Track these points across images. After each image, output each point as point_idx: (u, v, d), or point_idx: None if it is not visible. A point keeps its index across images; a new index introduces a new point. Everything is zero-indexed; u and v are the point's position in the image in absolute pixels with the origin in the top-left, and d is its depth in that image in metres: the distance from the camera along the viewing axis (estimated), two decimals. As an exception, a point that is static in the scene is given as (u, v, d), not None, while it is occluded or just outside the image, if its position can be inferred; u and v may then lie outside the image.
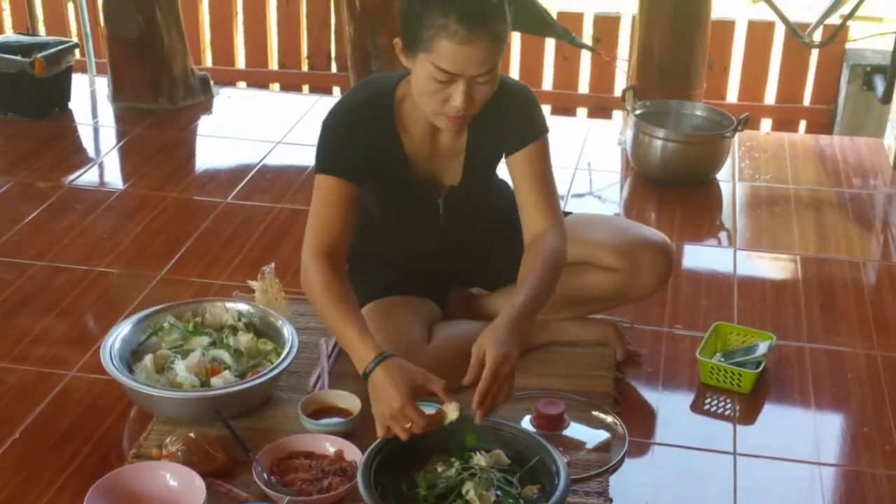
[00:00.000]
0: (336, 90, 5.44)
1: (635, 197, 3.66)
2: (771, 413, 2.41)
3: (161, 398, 2.21)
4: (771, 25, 5.01)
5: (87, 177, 3.65)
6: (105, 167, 3.81)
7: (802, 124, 5.16)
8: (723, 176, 3.69)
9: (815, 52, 4.97)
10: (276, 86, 5.57)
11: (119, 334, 2.36)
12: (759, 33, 5.08)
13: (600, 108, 5.18)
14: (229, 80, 5.33)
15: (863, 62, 4.87)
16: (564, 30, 4.07)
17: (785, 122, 5.13)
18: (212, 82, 4.46)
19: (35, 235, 3.17)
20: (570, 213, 2.55)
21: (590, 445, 2.23)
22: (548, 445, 1.99)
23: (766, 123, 5.16)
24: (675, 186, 3.59)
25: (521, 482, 1.95)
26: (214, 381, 2.26)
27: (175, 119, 4.20)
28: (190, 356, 2.32)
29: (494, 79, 2.05)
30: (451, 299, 2.55)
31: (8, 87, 4.06)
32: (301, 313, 2.62)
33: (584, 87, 5.28)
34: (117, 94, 4.31)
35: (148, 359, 2.31)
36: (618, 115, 5.02)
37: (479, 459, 1.96)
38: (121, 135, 4.06)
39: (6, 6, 5.85)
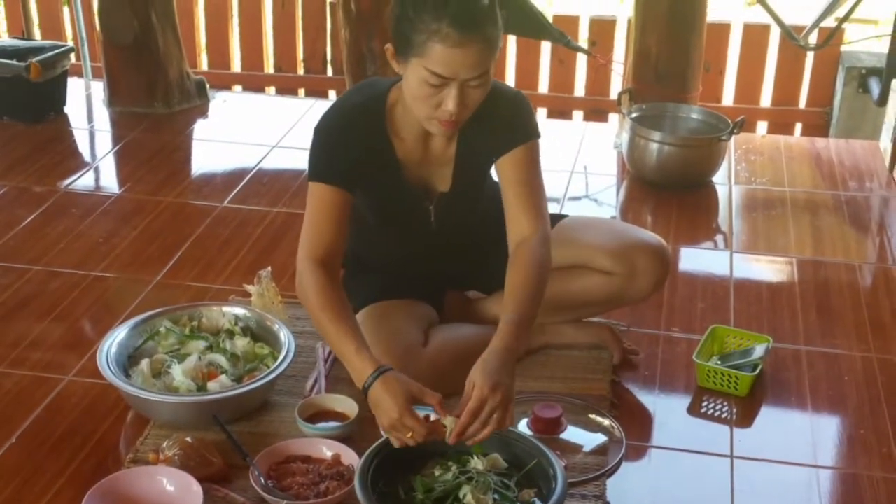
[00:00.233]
0: (332, 94, 5.43)
1: (631, 200, 3.66)
2: (768, 416, 2.41)
3: (158, 402, 2.21)
4: (766, 28, 5.01)
5: (82, 181, 3.65)
6: (101, 171, 3.81)
7: (798, 127, 5.16)
8: (719, 179, 3.69)
9: (810, 55, 4.97)
10: (271, 89, 5.57)
11: (115, 339, 2.36)
12: (755, 36, 5.08)
13: (596, 111, 5.18)
14: (225, 83, 5.33)
15: (858, 65, 4.88)
16: (560, 33, 4.07)
17: (781, 125, 5.13)
18: (207, 86, 4.46)
19: (31, 240, 3.17)
20: (566, 216, 2.56)
21: (587, 449, 2.23)
22: (545, 449, 1.99)
23: (761, 126, 5.17)
24: (671, 189, 3.59)
25: (519, 486, 1.95)
26: (211, 385, 2.26)
27: (171, 123, 4.20)
28: (186, 360, 2.32)
29: (487, 82, 2.05)
30: (447, 303, 2.55)
31: (3, 91, 4.05)
32: (298, 317, 2.62)
33: (579, 90, 5.28)
34: (113, 99, 4.31)
35: (144, 363, 2.31)
36: (614, 118, 5.02)
37: (477, 463, 1.96)
38: (116, 139, 4.06)
39: (1, 10, 5.84)
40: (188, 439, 2.11)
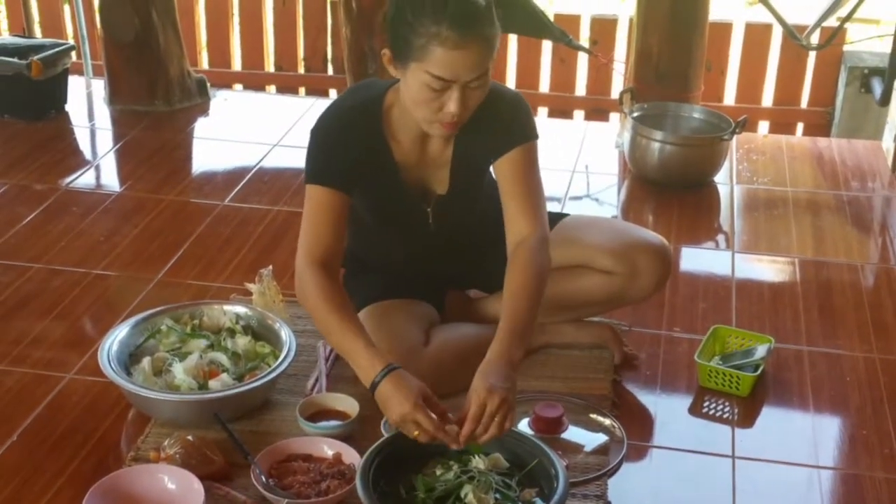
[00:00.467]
0: (332, 92, 5.43)
1: (633, 200, 3.66)
2: (769, 416, 2.41)
3: (159, 401, 2.21)
4: (768, 27, 5.01)
5: (83, 179, 3.65)
6: (102, 170, 3.80)
7: (800, 127, 5.16)
8: (721, 178, 3.69)
9: (812, 55, 4.97)
10: (272, 88, 5.57)
11: (117, 337, 2.36)
12: (757, 35, 5.08)
13: (597, 110, 5.18)
14: (226, 82, 5.33)
15: (860, 64, 4.88)
16: (561, 32, 4.07)
17: (782, 125, 5.13)
18: (208, 84, 4.46)
19: (32, 238, 3.17)
20: (567, 216, 2.55)
21: (588, 448, 2.23)
22: (546, 448, 1.99)
23: (763, 126, 5.16)
24: (672, 189, 3.59)
25: (520, 485, 1.95)
26: (212, 383, 2.26)
27: (172, 121, 4.19)
28: (188, 359, 2.32)
29: (487, 83, 2.05)
30: (448, 302, 2.55)
31: (4, 89, 4.05)
32: (299, 316, 2.61)
33: (581, 89, 5.28)
34: (114, 97, 4.31)
35: (146, 361, 2.30)
36: (615, 117, 5.02)
37: (478, 462, 1.96)
38: (117, 137, 4.06)
39: (2, 8, 5.84)
40: (189, 438, 2.10)
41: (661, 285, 2.47)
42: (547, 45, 5.18)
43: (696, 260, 3.19)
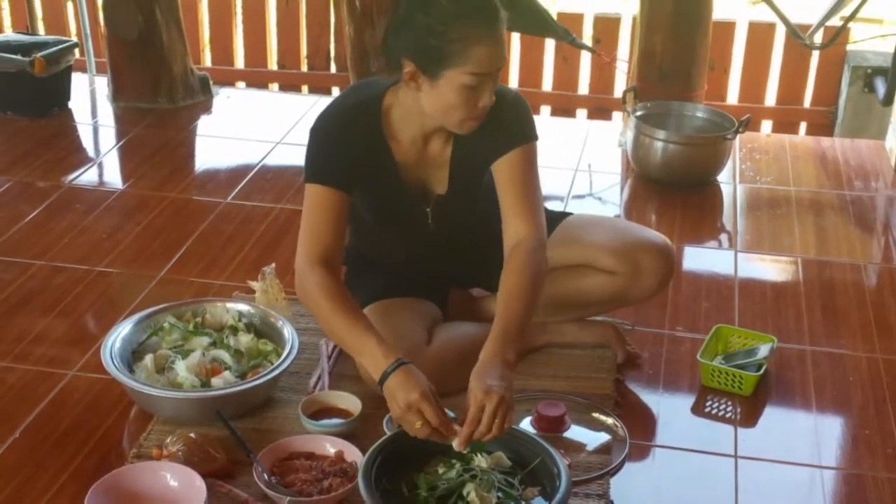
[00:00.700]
0: (335, 90, 5.43)
1: (636, 199, 3.65)
2: (772, 416, 2.41)
3: (161, 398, 2.21)
4: (772, 27, 5.01)
5: (86, 176, 3.65)
6: (105, 167, 3.80)
7: (803, 126, 5.15)
8: (724, 178, 3.69)
9: (815, 54, 4.97)
10: (275, 86, 5.57)
11: (119, 334, 2.36)
12: (760, 35, 5.07)
13: (600, 109, 5.18)
14: (228, 80, 5.32)
15: (864, 64, 4.87)
16: (564, 30, 4.07)
17: (785, 124, 5.12)
18: (211, 82, 4.46)
19: (35, 235, 3.17)
20: (570, 215, 2.55)
21: (590, 447, 2.23)
22: (549, 447, 1.99)
23: (766, 125, 5.16)
24: (675, 188, 3.59)
25: (522, 484, 1.95)
26: (215, 381, 2.26)
27: (175, 119, 4.20)
28: (190, 356, 2.32)
29: None
30: (450, 301, 2.55)
31: (7, 86, 4.05)
32: (301, 314, 2.61)
33: (584, 88, 5.27)
34: (117, 94, 4.31)
35: (148, 358, 2.30)
36: (618, 116, 5.02)
37: (481, 461, 1.96)
38: (120, 134, 4.06)
39: (6, 5, 5.84)
40: (192, 435, 2.10)
41: (664, 285, 2.47)
42: (550, 44, 5.18)
43: (699, 259, 3.18)
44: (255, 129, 4.11)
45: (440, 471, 1.95)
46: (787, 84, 5.11)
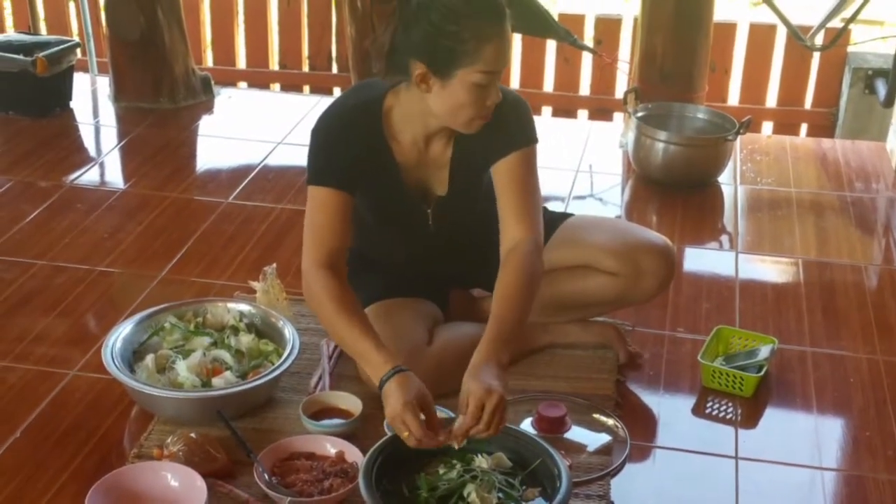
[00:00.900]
0: (336, 90, 5.43)
1: (636, 200, 3.66)
2: (773, 417, 2.41)
3: (162, 398, 2.21)
4: (773, 28, 5.01)
5: (88, 176, 3.65)
6: (106, 167, 3.81)
7: (804, 127, 5.15)
8: (724, 179, 3.69)
9: (816, 56, 4.97)
10: (276, 86, 5.57)
11: (120, 334, 2.36)
12: (761, 36, 5.07)
13: (601, 110, 5.18)
14: (230, 80, 5.32)
15: (864, 66, 4.87)
16: (566, 31, 4.07)
17: (786, 126, 5.12)
18: (213, 82, 4.46)
19: (36, 235, 3.17)
20: (571, 216, 2.55)
21: (591, 448, 2.23)
22: (549, 448, 1.99)
23: (767, 126, 5.16)
24: (676, 189, 3.59)
25: (523, 485, 1.95)
26: (215, 381, 2.26)
27: (176, 119, 4.20)
28: (191, 356, 2.32)
29: None
30: (451, 301, 2.55)
31: (9, 86, 4.06)
32: (302, 314, 2.62)
33: (585, 89, 5.27)
34: (119, 94, 4.31)
35: (149, 358, 2.31)
36: (619, 117, 5.02)
37: (481, 462, 1.96)
38: (122, 134, 4.06)
39: (8, 5, 5.84)
40: (192, 435, 2.11)
41: (665, 286, 2.47)
42: (551, 45, 5.18)
43: (700, 260, 3.18)
44: (256, 129, 4.11)
45: (441, 471, 1.96)
46: (788, 85, 5.11)
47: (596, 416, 2.33)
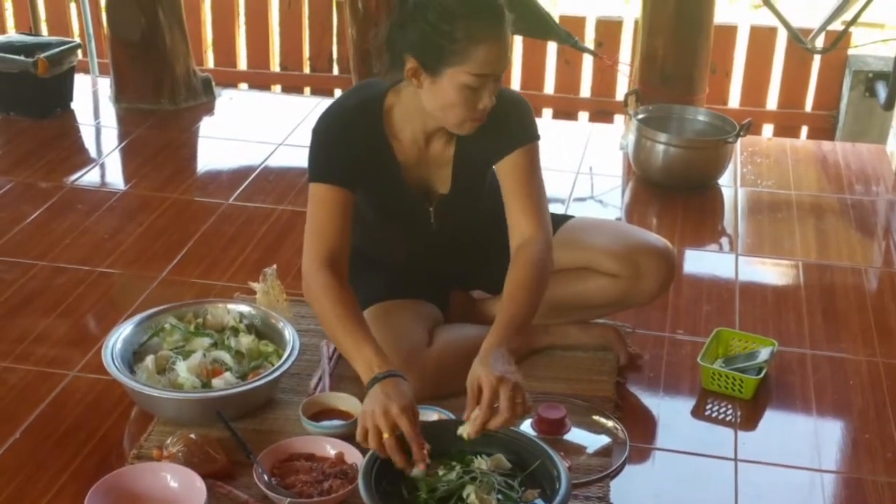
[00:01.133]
0: (337, 92, 5.43)
1: (637, 202, 3.66)
2: (772, 419, 2.41)
3: (162, 399, 2.21)
4: (773, 31, 5.01)
5: (88, 177, 3.65)
6: (107, 168, 3.81)
7: (804, 130, 5.15)
8: (725, 181, 3.69)
9: (817, 58, 4.97)
10: (277, 87, 5.57)
11: (120, 335, 2.36)
12: (762, 39, 5.07)
13: (602, 112, 5.18)
14: (231, 81, 5.32)
15: (865, 68, 4.87)
16: (567, 33, 4.07)
17: (786, 128, 5.12)
18: (214, 83, 4.46)
19: (37, 235, 3.17)
20: (571, 217, 2.56)
21: (591, 450, 2.23)
22: (549, 450, 1.99)
23: (767, 129, 5.16)
24: (676, 191, 3.59)
25: (522, 486, 1.95)
26: (215, 382, 2.26)
27: (177, 120, 4.20)
28: (191, 357, 2.32)
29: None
30: (452, 303, 2.55)
31: (10, 86, 4.06)
32: (302, 315, 2.62)
33: (585, 91, 5.27)
34: (119, 95, 4.32)
35: (149, 359, 2.31)
36: (619, 119, 5.02)
37: (481, 463, 1.96)
38: (123, 135, 4.06)
39: (9, 6, 5.85)
40: (192, 436, 2.11)
41: (665, 288, 2.47)
42: (552, 47, 5.18)
43: (700, 262, 3.18)
44: (257, 130, 4.11)
45: (440, 473, 1.95)
46: (789, 88, 5.11)
47: (595, 417, 2.33)
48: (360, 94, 2.27)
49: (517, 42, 5.18)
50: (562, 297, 2.45)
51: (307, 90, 5.54)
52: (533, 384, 2.42)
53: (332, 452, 2.12)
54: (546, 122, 4.74)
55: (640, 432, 2.32)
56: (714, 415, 2.41)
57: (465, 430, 1.93)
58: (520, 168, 2.22)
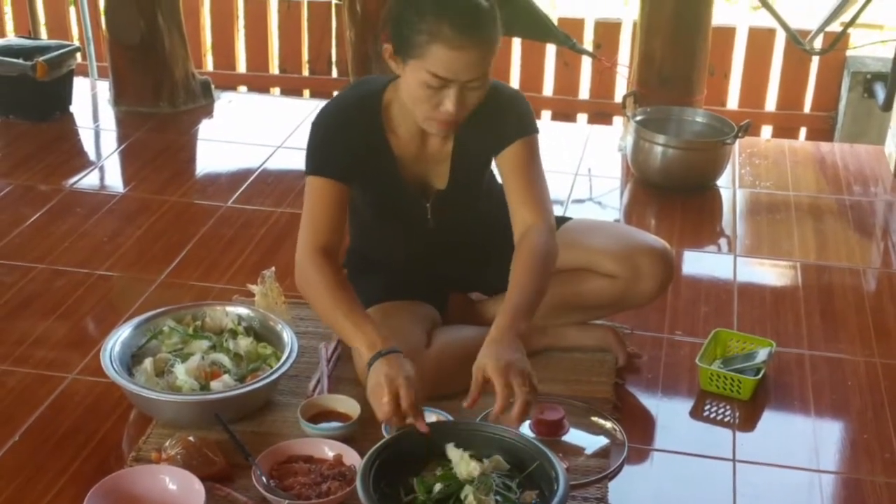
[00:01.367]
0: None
1: (635, 203, 3.66)
2: (770, 420, 2.41)
3: (160, 401, 2.21)
4: (772, 32, 5.01)
5: (87, 180, 3.66)
6: (106, 171, 3.81)
7: (803, 131, 5.16)
8: (723, 182, 3.69)
9: (815, 59, 4.97)
10: (276, 90, 5.58)
11: (119, 337, 2.36)
12: (760, 40, 5.08)
13: (601, 113, 5.18)
14: (230, 84, 5.34)
15: (863, 69, 4.88)
16: (565, 35, 4.08)
17: (785, 129, 5.12)
18: (213, 86, 4.47)
19: (36, 238, 3.17)
20: (570, 219, 2.56)
21: (589, 451, 2.23)
22: (547, 451, 1.98)
23: (766, 130, 5.16)
24: (675, 193, 3.59)
25: (521, 487, 1.95)
26: (214, 384, 2.26)
27: (176, 123, 4.20)
28: (189, 360, 2.32)
29: (485, 84, 2.07)
30: (450, 305, 2.55)
31: (9, 90, 4.06)
32: (301, 317, 2.62)
33: (584, 92, 5.28)
34: (118, 98, 4.32)
35: (148, 362, 2.31)
36: (618, 121, 5.02)
37: (478, 464, 1.96)
38: (122, 138, 4.07)
39: (8, 9, 5.86)
40: (191, 438, 2.11)
41: (664, 289, 2.47)
42: (551, 49, 5.19)
43: (699, 263, 3.19)
44: (256, 133, 4.11)
45: (438, 474, 1.95)
46: (787, 89, 5.11)
47: (594, 418, 2.33)
48: (358, 89, 2.28)
49: (516, 44, 5.19)
50: (561, 298, 2.46)
51: (306, 93, 5.55)
52: (531, 385, 2.43)
53: (330, 454, 2.12)
54: (545, 124, 4.74)
55: (638, 433, 2.32)
56: (712, 416, 2.42)
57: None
58: (519, 159, 2.23)
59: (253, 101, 4.78)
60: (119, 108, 4.31)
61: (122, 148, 3.99)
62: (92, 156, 3.98)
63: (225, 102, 4.46)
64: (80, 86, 4.41)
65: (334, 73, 5.51)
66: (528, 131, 2.25)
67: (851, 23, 4.12)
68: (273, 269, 2.63)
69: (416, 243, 2.43)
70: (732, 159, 3.80)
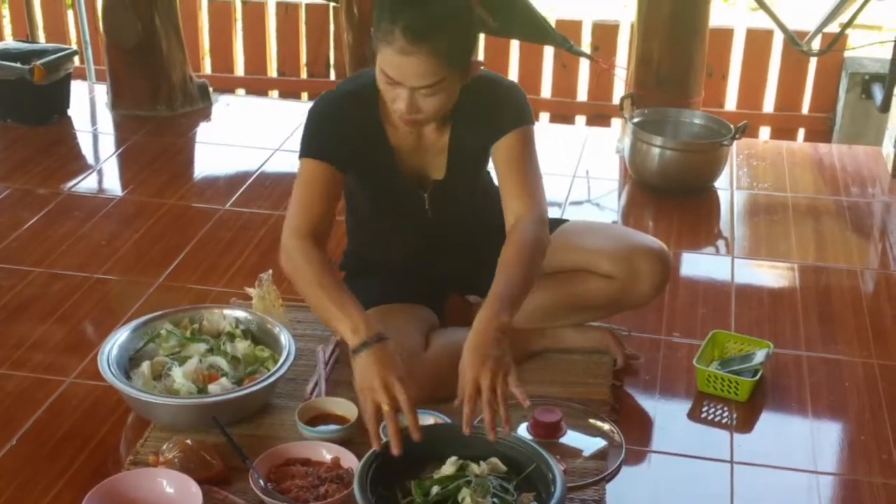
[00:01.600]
0: (335, 97, 5.43)
1: (633, 205, 3.66)
2: (768, 421, 2.41)
3: (158, 405, 2.21)
4: (770, 33, 5.01)
5: (85, 183, 3.66)
6: (104, 174, 3.81)
7: (801, 132, 5.16)
8: (721, 184, 3.69)
9: (813, 61, 4.97)
10: (274, 93, 5.58)
11: (116, 341, 2.36)
12: (758, 41, 5.08)
13: (598, 115, 5.18)
14: (228, 87, 5.34)
15: (861, 70, 4.88)
16: (563, 38, 4.08)
17: (783, 131, 5.13)
18: (210, 89, 4.47)
19: (33, 242, 3.17)
20: (567, 221, 2.56)
21: (586, 453, 2.23)
22: (544, 453, 1.99)
23: (764, 131, 5.17)
24: (672, 194, 3.59)
25: (518, 490, 1.95)
26: (211, 387, 2.26)
27: (174, 126, 4.20)
28: (187, 363, 2.32)
29: (441, 92, 2.07)
30: (448, 308, 2.56)
31: (7, 93, 4.06)
32: (298, 320, 2.62)
33: (582, 94, 5.28)
34: (116, 102, 4.32)
35: (145, 365, 2.31)
36: (616, 122, 5.03)
37: (476, 467, 1.96)
38: (119, 142, 4.07)
39: (6, 13, 5.86)
40: (188, 441, 2.11)
41: (661, 290, 2.47)
42: (549, 51, 5.19)
43: (696, 265, 3.19)
44: (254, 136, 4.11)
45: (435, 476, 1.95)
46: (785, 91, 5.11)
47: (591, 420, 2.33)
48: (357, 80, 2.29)
49: (514, 46, 5.19)
50: (558, 299, 2.46)
51: (304, 95, 5.54)
52: (528, 387, 2.41)
53: (327, 457, 2.12)
54: (543, 126, 4.75)
55: (635, 435, 2.32)
56: (710, 417, 2.42)
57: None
58: (513, 150, 2.23)
59: (251, 104, 4.79)
60: (117, 111, 4.31)
61: (119, 151, 3.99)
62: (90, 159, 3.98)
63: (223, 105, 4.47)
64: (78, 89, 4.42)
65: (332, 76, 5.51)
66: (523, 122, 2.25)
67: (849, 24, 4.13)
68: (270, 272, 2.63)
69: (415, 237, 2.43)
70: (730, 161, 3.80)
